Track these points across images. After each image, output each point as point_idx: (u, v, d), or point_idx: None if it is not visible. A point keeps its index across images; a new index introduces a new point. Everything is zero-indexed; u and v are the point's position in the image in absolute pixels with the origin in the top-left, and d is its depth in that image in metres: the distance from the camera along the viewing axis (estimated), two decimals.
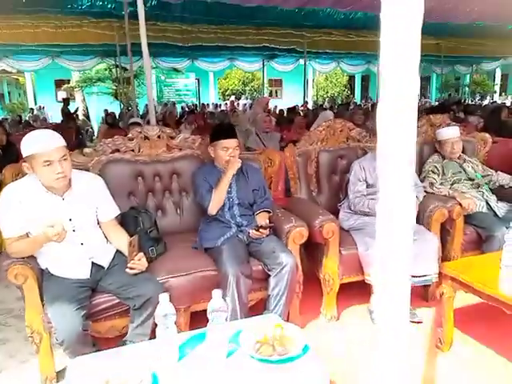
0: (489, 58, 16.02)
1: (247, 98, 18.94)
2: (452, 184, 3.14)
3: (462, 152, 3.47)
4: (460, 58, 16.46)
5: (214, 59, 14.96)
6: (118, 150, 2.58)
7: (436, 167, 3.17)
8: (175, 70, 15.08)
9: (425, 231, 2.62)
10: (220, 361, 1.47)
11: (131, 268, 1.95)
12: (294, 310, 2.44)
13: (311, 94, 20.73)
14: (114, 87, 15.10)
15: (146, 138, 2.64)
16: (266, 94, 20.24)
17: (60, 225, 1.80)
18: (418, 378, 2.04)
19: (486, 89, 20.52)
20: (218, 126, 2.75)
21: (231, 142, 2.43)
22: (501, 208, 3.02)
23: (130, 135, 2.62)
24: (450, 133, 3.17)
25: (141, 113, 11.49)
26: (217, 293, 1.48)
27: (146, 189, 2.65)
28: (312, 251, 2.69)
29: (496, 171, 3.31)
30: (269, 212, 2.51)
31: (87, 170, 2.40)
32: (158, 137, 2.66)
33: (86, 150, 2.63)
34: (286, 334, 1.57)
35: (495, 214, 2.99)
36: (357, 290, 2.65)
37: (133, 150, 2.61)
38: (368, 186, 2.79)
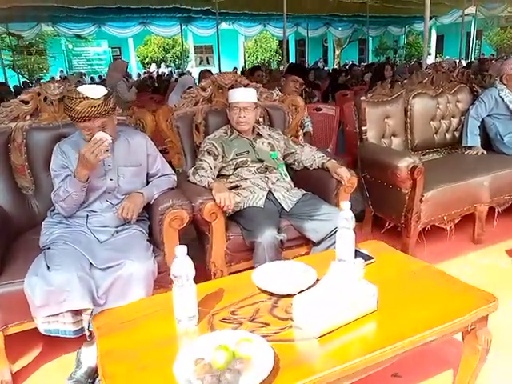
0: (420, 18, 15.43)
1: (168, 66, 17.44)
2: (236, 168, 2.29)
3: (270, 124, 2.63)
4: (389, 19, 15.81)
5: (124, 24, 13.60)
6: None
7: (214, 146, 2.29)
8: (78, 36, 13.48)
9: (138, 249, 1.75)
10: None
11: None
12: None
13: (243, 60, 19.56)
14: (10, 57, 13.33)
15: None
16: (193, 62, 18.88)
17: None
18: None
19: (421, 51, 19.97)
20: None
21: None
22: (290, 199, 2.21)
23: None
24: (238, 96, 2.28)
25: None
26: None
27: None
28: None
29: (303, 146, 2.48)
30: None
31: None
32: None
33: None
34: None
35: (283, 208, 2.20)
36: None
37: None
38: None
